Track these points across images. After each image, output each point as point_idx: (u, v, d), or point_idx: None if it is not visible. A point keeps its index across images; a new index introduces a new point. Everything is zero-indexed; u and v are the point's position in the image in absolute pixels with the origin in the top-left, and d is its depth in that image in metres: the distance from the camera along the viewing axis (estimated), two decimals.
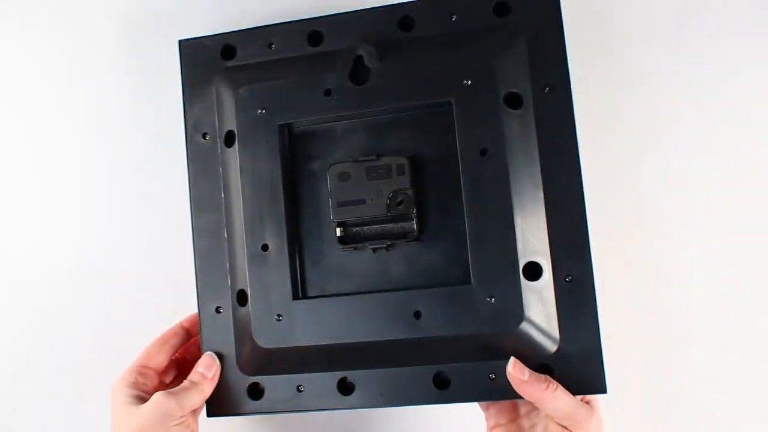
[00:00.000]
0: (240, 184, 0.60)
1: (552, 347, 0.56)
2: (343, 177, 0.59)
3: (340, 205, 0.59)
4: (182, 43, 0.64)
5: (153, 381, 0.60)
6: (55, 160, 0.70)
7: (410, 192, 0.58)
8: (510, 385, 0.55)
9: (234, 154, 0.61)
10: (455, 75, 0.57)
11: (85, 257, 0.69)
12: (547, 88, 0.57)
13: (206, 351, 0.61)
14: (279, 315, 0.59)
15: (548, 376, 0.54)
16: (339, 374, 0.59)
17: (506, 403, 0.58)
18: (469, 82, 0.57)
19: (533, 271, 0.56)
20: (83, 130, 0.70)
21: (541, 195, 0.56)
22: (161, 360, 0.61)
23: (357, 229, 0.59)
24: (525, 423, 0.57)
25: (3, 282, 0.70)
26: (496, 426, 0.58)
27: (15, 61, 0.71)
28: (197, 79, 0.63)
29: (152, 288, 0.67)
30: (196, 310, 0.62)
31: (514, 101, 0.57)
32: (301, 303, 0.59)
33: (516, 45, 0.58)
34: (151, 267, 0.68)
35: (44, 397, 0.69)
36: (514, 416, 0.57)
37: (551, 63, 0.57)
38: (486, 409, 0.59)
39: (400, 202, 0.58)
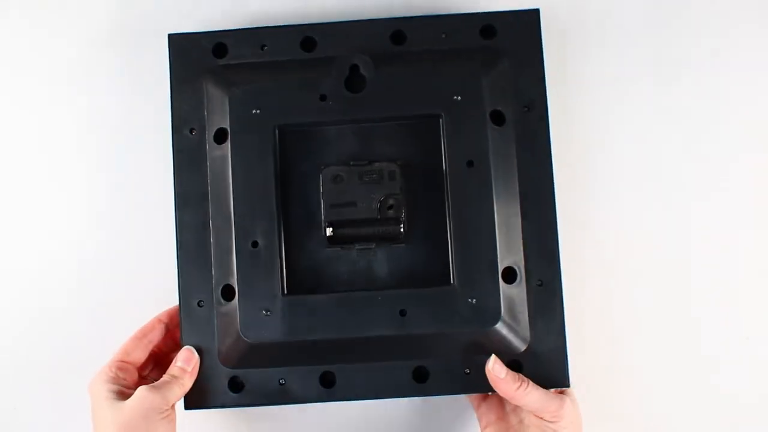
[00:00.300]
0: (230, 181, 0.61)
1: (522, 345, 0.61)
2: (336, 179, 0.62)
3: (332, 206, 0.62)
4: (171, 37, 0.64)
5: (133, 376, 0.60)
6: (43, 156, 0.68)
7: (400, 197, 0.61)
8: (483, 379, 0.60)
9: (224, 151, 0.62)
10: (446, 90, 0.61)
11: (82, 255, 0.68)
12: (527, 108, 0.62)
13: (186, 345, 0.62)
14: (267, 310, 0.60)
15: (522, 375, 0.59)
16: (322, 368, 0.61)
17: (493, 401, 0.63)
18: (459, 97, 0.61)
19: (510, 275, 0.61)
20: (72, 124, 0.68)
21: (518, 206, 0.62)
22: (140, 355, 0.61)
23: (346, 230, 0.62)
24: (512, 419, 0.62)
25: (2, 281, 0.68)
26: (487, 425, 0.62)
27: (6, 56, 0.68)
28: (186, 74, 0.63)
29: (152, 285, 0.66)
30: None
31: (498, 118, 0.62)
32: (290, 299, 0.61)
33: (500, 66, 0.63)
34: (148, 263, 0.67)
35: (44, 397, 0.67)
36: (502, 413, 0.62)
37: (531, 85, 0.63)
38: (477, 408, 0.63)
39: (390, 206, 0.61)
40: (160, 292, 0.64)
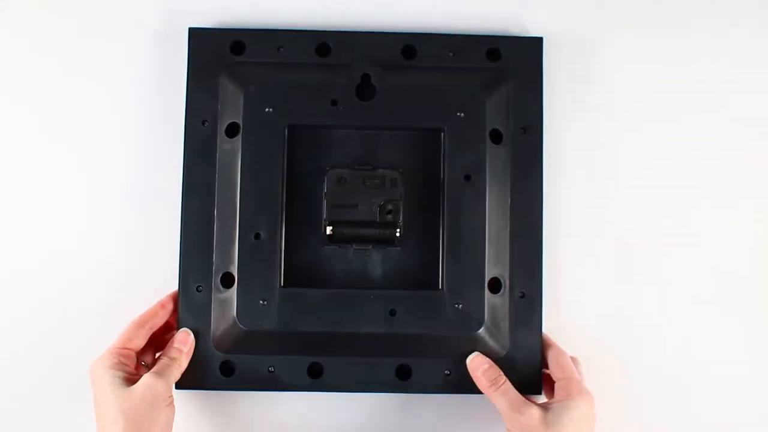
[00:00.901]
0: (239, 174, 0.64)
1: (501, 351, 0.65)
2: (340, 182, 0.65)
3: (334, 206, 0.65)
4: (192, 31, 0.66)
5: (133, 361, 0.61)
6: (47, 151, 0.69)
7: (400, 203, 0.65)
8: (462, 381, 0.64)
9: (235, 145, 0.65)
10: (450, 107, 0.65)
11: (84, 251, 0.68)
12: (523, 130, 0.66)
13: (182, 327, 0.64)
14: (264, 300, 0.63)
15: (502, 375, 0.63)
16: (310, 359, 0.64)
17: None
18: (462, 114, 0.65)
19: (495, 285, 0.65)
20: (77, 113, 0.69)
21: (508, 221, 0.66)
22: (140, 342, 0.62)
23: (346, 230, 0.65)
24: None
25: (3, 280, 0.68)
26: None
27: (19, 52, 0.69)
28: (204, 67, 0.66)
29: (153, 284, 0.67)
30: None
31: (496, 137, 0.66)
32: (287, 291, 0.64)
33: (502, 88, 0.66)
34: (149, 259, 0.68)
35: (45, 396, 0.67)
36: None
37: (529, 109, 0.67)
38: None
39: (389, 211, 0.65)
40: (161, 290, 0.66)
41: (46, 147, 0.69)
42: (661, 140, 0.70)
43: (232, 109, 0.65)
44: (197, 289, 0.65)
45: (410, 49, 0.67)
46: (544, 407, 0.61)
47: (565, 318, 0.68)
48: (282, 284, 0.64)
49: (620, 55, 0.70)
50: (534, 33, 0.69)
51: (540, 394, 0.65)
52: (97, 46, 0.69)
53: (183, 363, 0.62)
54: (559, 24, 0.69)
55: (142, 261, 0.68)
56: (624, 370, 0.69)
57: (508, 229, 0.66)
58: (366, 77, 0.65)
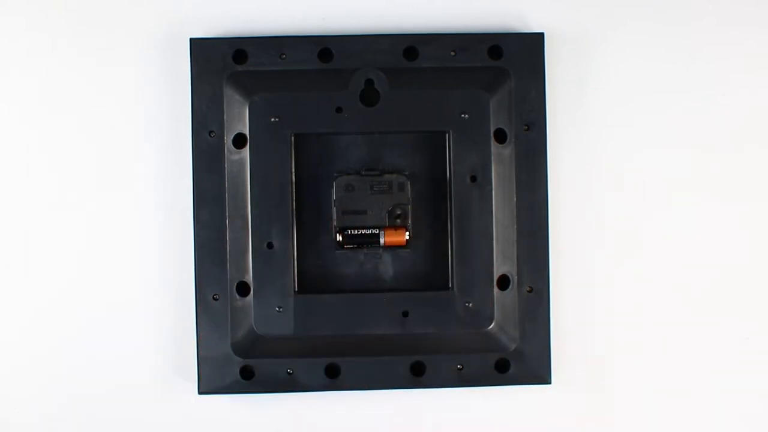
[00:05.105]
0: (248, 184, 0.65)
1: (511, 345, 0.67)
2: (349, 188, 0.66)
3: (344, 213, 0.66)
4: (193, 42, 0.66)
5: None
6: (52, 156, 0.69)
7: (408, 208, 0.66)
8: (474, 374, 0.66)
9: (243, 155, 0.65)
10: (454, 108, 0.66)
11: (87, 254, 0.69)
12: (527, 128, 0.67)
13: (202, 333, 0.66)
14: (280, 307, 0.65)
15: None
16: (327, 360, 0.66)
17: None
18: (466, 116, 0.66)
19: (504, 282, 0.67)
20: (90, 123, 0.69)
21: (515, 219, 0.67)
22: None
23: (356, 233, 0.66)
24: None
25: (4, 279, 0.69)
26: None
27: (21, 59, 0.69)
28: (206, 78, 0.66)
29: (168, 295, 0.69)
30: (193, 306, 0.67)
31: (500, 136, 0.67)
32: (301, 297, 0.65)
33: (505, 86, 0.67)
34: (155, 265, 0.69)
35: (45, 396, 0.68)
36: None
37: (532, 106, 0.67)
38: None
39: (398, 216, 0.66)
40: (176, 300, 0.68)
41: (51, 160, 0.69)
42: (665, 136, 0.70)
43: (238, 119, 0.66)
44: (214, 298, 0.66)
45: (412, 50, 0.67)
46: None
47: (571, 310, 0.70)
48: (296, 290, 0.66)
49: (622, 50, 0.70)
50: (535, 29, 0.68)
51: (550, 384, 0.68)
52: (100, 57, 0.69)
53: None
54: (560, 19, 0.69)
55: (155, 271, 0.69)
56: (630, 362, 0.71)
57: (515, 226, 0.67)
58: (369, 82, 0.66)
